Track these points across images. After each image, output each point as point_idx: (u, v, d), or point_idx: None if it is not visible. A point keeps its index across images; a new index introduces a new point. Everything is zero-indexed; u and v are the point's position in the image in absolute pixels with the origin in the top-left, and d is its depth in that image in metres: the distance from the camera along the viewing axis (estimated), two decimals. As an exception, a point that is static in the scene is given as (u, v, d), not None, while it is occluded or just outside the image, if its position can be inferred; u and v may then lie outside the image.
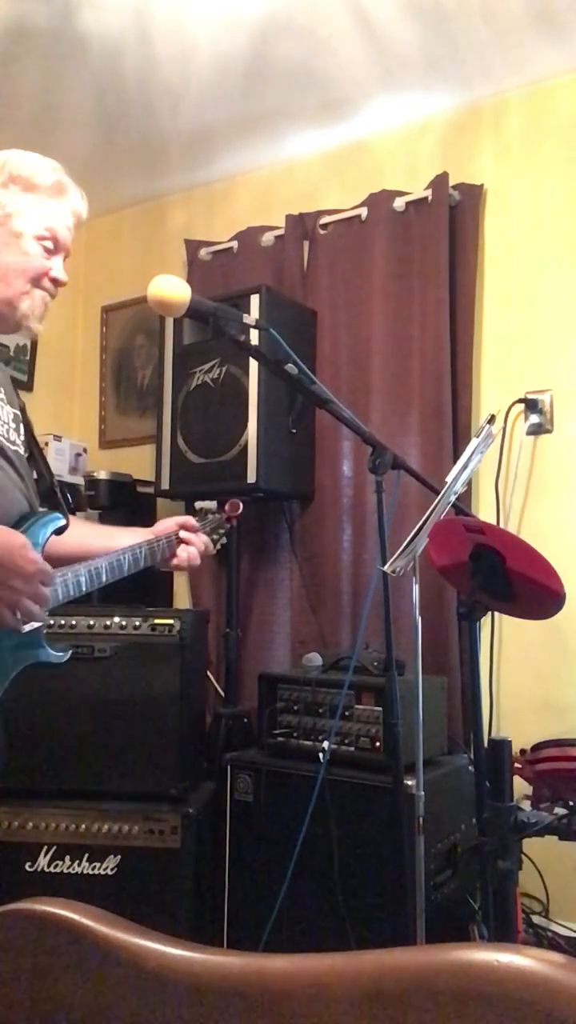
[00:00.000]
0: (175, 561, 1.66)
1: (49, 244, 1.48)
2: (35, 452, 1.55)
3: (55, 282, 1.49)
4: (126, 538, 1.62)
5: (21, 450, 1.50)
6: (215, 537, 1.77)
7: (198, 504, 1.78)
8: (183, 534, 1.67)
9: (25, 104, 2.93)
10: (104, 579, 1.50)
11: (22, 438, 1.52)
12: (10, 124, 3.02)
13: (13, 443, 1.48)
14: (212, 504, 1.78)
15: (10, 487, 1.43)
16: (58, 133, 3.07)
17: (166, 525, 1.69)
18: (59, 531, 1.47)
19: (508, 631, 2.63)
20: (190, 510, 3.10)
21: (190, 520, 1.71)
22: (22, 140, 3.24)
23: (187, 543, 1.67)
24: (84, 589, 1.46)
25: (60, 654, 1.41)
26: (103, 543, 1.58)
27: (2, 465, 1.43)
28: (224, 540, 1.82)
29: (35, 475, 1.55)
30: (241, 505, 1.84)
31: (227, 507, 1.83)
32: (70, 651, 1.43)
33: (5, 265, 1.44)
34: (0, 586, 1.25)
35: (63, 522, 1.46)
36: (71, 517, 1.50)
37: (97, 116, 3.00)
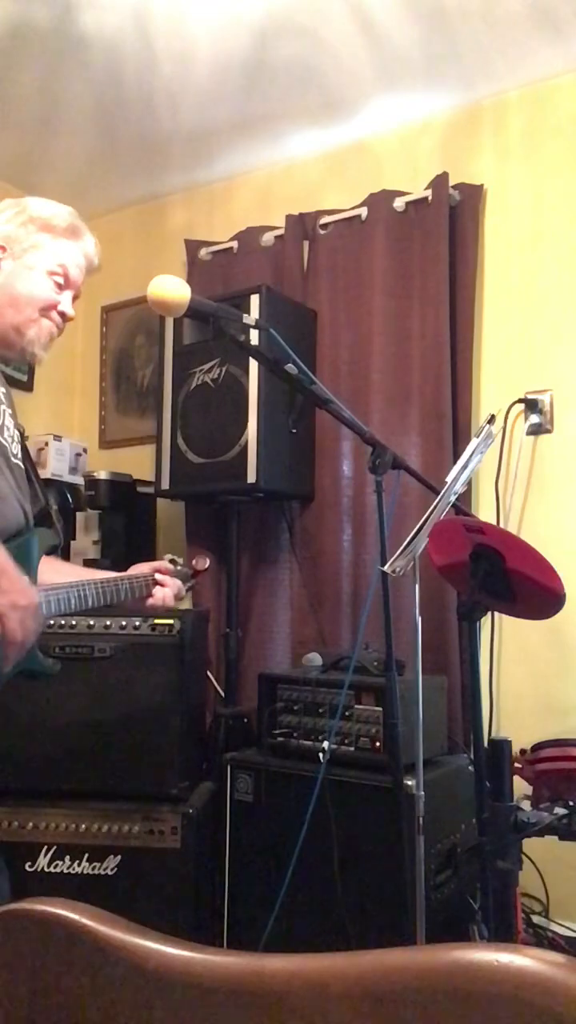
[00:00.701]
0: (150, 600, 1.73)
1: (60, 280, 1.57)
2: (31, 474, 1.61)
3: (63, 316, 1.58)
4: (98, 577, 1.68)
5: (22, 466, 1.55)
6: (186, 586, 1.85)
7: (166, 557, 1.86)
8: (158, 576, 1.75)
9: (25, 104, 2.93)
10: (90, 603, 1.57)
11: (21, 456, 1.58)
12: (10, 124, 3.02)
13: (16, 456, 1.53)
14: (180, 559, 1.87)
15: (10, 495, 1.47)
16: (58, 133, 3.07)
17: (140, 569, 1.76)
18: (51, 551, 1.54)
19: (508, 631, 2.63)
20: (193, 509, 3.10)
21: (165, 564, 1.80)
22: (22, 140, 3.26)
23: (162, 584, 1.74)
24: (73, 608, 1.54)
25: (51, 663, 1.47)
26: (64, 578, 1.62)
27: (4, 472, 1.46)
28: (190, 593, 1.92)
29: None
30: (208, 562, 1.92)
31: (194, 562, 1.92)
32: (59, 664, 1.51)
33: (16, 294, 1.53)
34: (10, 606, 1.30)
35: (56, 542, 1.55)
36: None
37: (97, 116, 3.00)
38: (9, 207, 1.59)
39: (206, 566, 1.91)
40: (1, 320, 1.53)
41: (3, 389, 1.58)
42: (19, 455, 1.56)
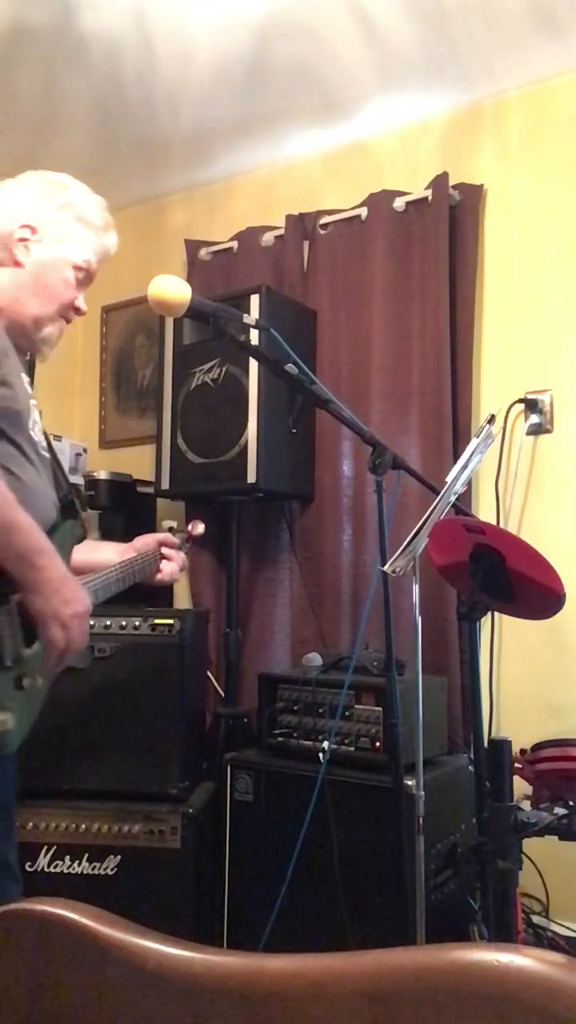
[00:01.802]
0: (159, 576, 1.75)
1: (82, 275, 1.54)
2: (55, 462, 1.57)
3: (77, 311, 1.55)
4: (108, 551, 1.68)
5: (48, 456, 1.52)
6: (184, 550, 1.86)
7: (165, 523, 1.87)
8: (165, 551, 1.75)
9: (25, 104, 2.93)
10: (112, 591, 1.56)
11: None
12: (10, 124, 3.03)
13: (44, 449, 1.50)
14: (175, 523, 1.88)
15: (47, 493, 1.45)
16: (58, 133, 3.07)
17: (146, 542, 1.76)
18: (78, 542, 1.52)
19: (508, 631, 2.63)
20: (194, 510, 3.10)
21: (170, 537, 1.80)
22: (22, 140, 3.26)
23: (168, 559, 1.75)
24: (102, 599, 1.52)
25: (86, 653, 1.46)
26: (87, 556, 1.62)
27: (39, 468, 1.44)
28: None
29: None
30: (202, 525, 1.94)
31: (189, 527, 1.94)
32: (91, 654, 1.50)
33: (44, 285, 1.49)
34: (66, 605, 1.30)
35: (83, 533, 1.54)
36: None
37: (97, 116, 3.00)
38: (44, 183, 1.53)
39: (201, 531, 1.93)
40: (22, 307, 1.47)
41: (28, 379, 1.54)
42: (46, 446, 1.52)
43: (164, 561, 1.75)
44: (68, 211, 1.51)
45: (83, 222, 1.53)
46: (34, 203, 1.50)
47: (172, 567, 1.76)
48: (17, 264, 1.47)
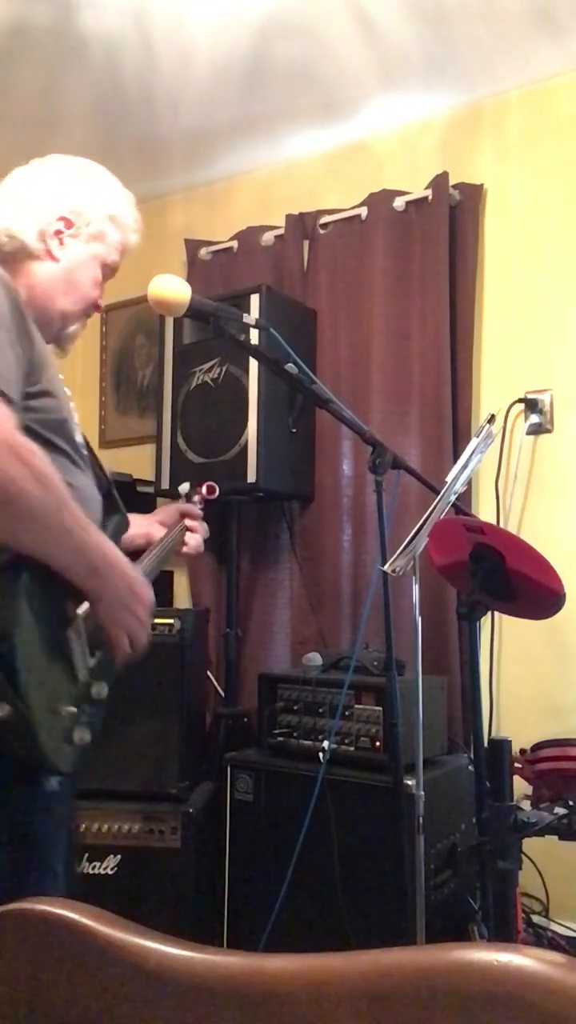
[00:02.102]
0: (184, 549, 1.72)
1: (107, 272, 1.52)
2: (92, 455, 1.54)
3: (97, 309, 1.53)
4: (137, 524, 1.65)
5: (86, 453, 1.50)
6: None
7: (182, 488, 1.83)
8: (188, 522, 1.73)
9: (25, 104, 2.93)
10: (155, 575, 1.56)
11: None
12: (10, 124, 3.02)
13: (84, 446, 1.47)
14: (186, 486, 1.84)
15: (95, 495, 1.44)
16: (58, 133, 3.07)
17: (168, 513, 1.74)
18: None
19: (508, 631, 2.62)
20: (175, 496, 3.10)
21: (192, 508, 1.77)
22: (22, 140, 3.26)
23: (192, 531, 1.73)
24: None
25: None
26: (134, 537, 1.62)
27: (84, 470, 1.42)
28: None
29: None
30: (217, 488, 1.88)
31: (204, 490, 1.87)
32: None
33: (75, 283, 1.45)
34: (130, 613, 1.30)
35: (126, 527, 1.53)
36: None
37: (97, 116, 3.00)
38: (83, 172, 1.48)
39: (216, 493, 1.88)
40: (52, 302, 1.43)
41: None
42: (84, 443, 1.50)
43: (188, 533, 1.72)
44: (105, 208, 1.47)
45: (115, 221, 1.49)
46: (73, 193, 1.45)
47: (197, 539, 1.73)
48: (52, 258, 1.43)
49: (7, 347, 1.21)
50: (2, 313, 1.22)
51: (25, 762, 1.16)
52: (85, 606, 1.28)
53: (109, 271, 1.52)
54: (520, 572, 1.80)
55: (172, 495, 2.98)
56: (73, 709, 1.21)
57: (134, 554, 1.52)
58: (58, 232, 1.43)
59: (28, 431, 1.23)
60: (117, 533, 1.47)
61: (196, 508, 1.78)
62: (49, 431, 1.32)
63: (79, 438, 1.45)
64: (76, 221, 1.44)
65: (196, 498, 1.85)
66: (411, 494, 2.62)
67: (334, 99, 2.88)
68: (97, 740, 1.26)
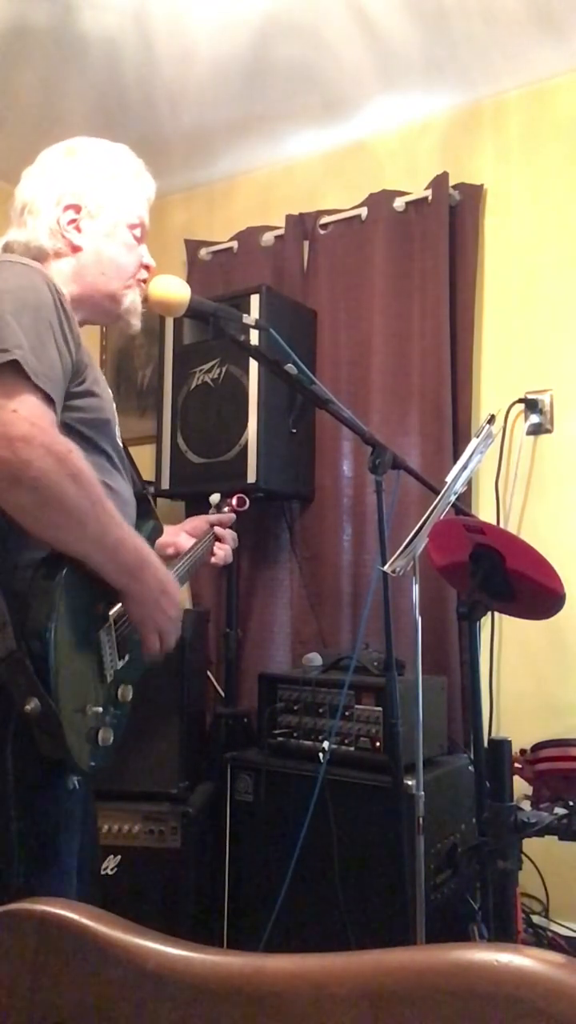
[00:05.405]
0: (214, 559, 1.73)
1: (139, 232, 1.47)
2: (129, 459, 1.53)
3: (147, 268, 1.49)
4: (166, 534, 1.66)
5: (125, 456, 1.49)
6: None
7: (213, 498, 1.83)
8: (218, 531, 1.73)
9: (25, 104, 2.93)
10: (184, 583, 1.57)
11: None
12: (10, 124, 3.02)
13: (123, 449, 1.46)
14: (217, 497, 1.84)
15: (132, 499, 1.43)
16: (58, 133, 3.04)
17: (196, 523, 1.75)
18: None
19: (508, 631, 2.62)
20: (194, 509, 3.10)
21: (224, 517, 1.78)
22: (22, 140, 3.25)
23: (222, 540, 1.74)
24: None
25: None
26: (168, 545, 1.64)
27: (123, 474, 1.41)
28: None
29: None
30: (248, 500, 1.88)
31: (234, 502, 1.88)
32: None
33: (109, 259, 1.42)
34: (161, 612, 1.31)
35: (160, 532, 1.54)
36: None
37: (97, 116, 3.00)
38: (60, 157, 1.45)
39: (246, 505, 1.87)
40: (94, 288, 1.41)
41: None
42: (122, 447, 1.48)
43: (217, 543, 1.73)
44: (98, 174, 1.43)
45: (116, 178, 1.45)
46: (64, 179, 1.42)
47: (226, 550, 1.74)
48: (76, 249, 1.40)
49: (50, 346, 1.20)
50: (46, 313, 1.21)
51: (48, 759, 1.16)
52: (118, 607, 1.28)
53: (140, 229, 1.47)
54: (520, 572, 1.80)
55: (172, 496, 2.98)
56: (99, 709, 1.21)
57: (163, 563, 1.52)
58: (71, 221, 1.40)
59: (71, 430, 1.24)
60: (151, 539, 1.47)
61: (227, 517, 1.78)
62: (92, 430, 1.31)
63: (119, 443, 1.44)
64: (81, 201, 1.41)
65: (226, 509, 1.85)
66: (411, 494, 2.62)
67: (334, 99, 2.88)
68: (120, 744, 1.27)
